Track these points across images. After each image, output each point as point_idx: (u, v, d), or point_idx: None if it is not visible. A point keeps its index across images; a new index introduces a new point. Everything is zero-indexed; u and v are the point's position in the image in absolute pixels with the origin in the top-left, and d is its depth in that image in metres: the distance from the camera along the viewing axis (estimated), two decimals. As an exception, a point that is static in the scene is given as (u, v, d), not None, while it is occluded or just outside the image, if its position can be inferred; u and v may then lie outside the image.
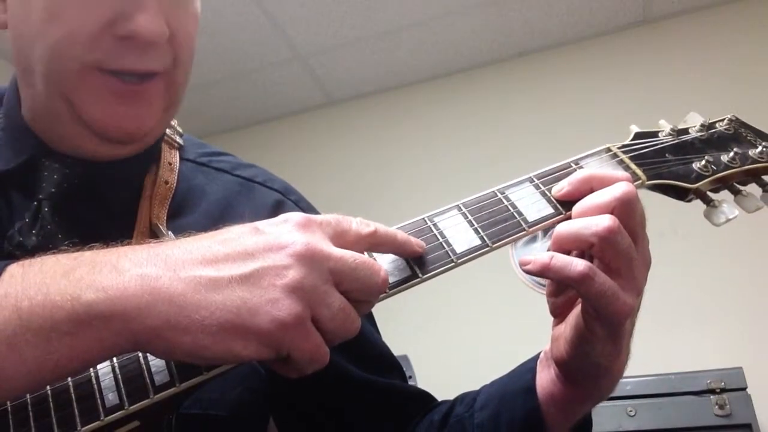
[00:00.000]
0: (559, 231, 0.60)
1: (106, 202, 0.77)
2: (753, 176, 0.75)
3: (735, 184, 0.74)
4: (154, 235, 0.75)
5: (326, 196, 3.22)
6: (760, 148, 0.74)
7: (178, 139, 0.86)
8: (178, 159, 0.84)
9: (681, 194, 0.71)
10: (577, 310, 0.63)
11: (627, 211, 0.59)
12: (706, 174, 0.71)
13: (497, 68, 3.22)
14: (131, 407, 0.55)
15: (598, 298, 0.57)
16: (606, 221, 0.58)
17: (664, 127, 0.76)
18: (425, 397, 0.86)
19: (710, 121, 0.78)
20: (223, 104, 3.44)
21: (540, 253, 0.59)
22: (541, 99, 3.03)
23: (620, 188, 0.60)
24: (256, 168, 0.91)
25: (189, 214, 0.80)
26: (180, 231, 0.71)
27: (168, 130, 0.84)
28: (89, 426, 0.54)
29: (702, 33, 2.93)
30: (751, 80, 2.77)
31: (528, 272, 0.60)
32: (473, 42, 3.12)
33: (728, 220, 0.70)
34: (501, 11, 2.94)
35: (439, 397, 0.89)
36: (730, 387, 2.00)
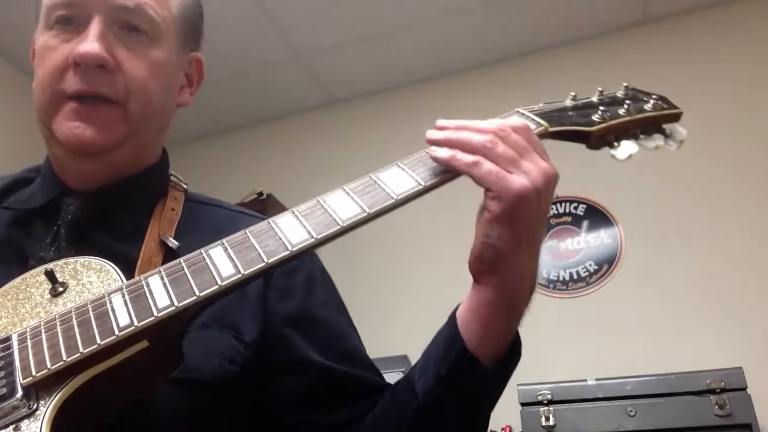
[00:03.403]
0: (452, 136, 0.74)
1: (118, 226, 0.92)
2: (652, 126, 0.87)
3: (638, 133, 0.86)
4: (162, 244, 0.89)
5: (326, 196, 3.23)
6: (651, 102, 0.88)
7: (183, 185, 1.03)
8: (183, 197, 1.00)
9: (583, 138, 0.83)
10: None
11: (499, 133, 0.73)
12: (603, 121, 0.84)
13: (497, 68, 3.22)
14: (140, 324, 0.66)
15: (488, 176, 0.70)
16: (484, 136, 0.72)
17: (569, 96, 0.90)
18: None
19: (607, 90, 0.92)
20: (223, 104, 3.44)
21: (446, 149, 0.74)
22: (541, 99, 3.00)
23: (494, 124, 0.75)
24: (248, 209, 1.08)
25: (188, 235, 0.93)
26: (182, 245, 0.88)
27: (173, 179, 1.02)
28: (107, 340, 0.66)
29: (702, 33, 2.93)
30: (751, 80, 2.77)
31: (435, 159, 0.74)
32: (473, 42, 3.12)
33: (630, 156, 0.82)
34: (501, 11, 2.94)
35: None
36: (730, 387, 2.00)
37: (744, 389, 2.00)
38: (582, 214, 2.83)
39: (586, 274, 2.76)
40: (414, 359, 2.77)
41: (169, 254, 0.87)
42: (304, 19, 2.94)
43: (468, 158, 0.72)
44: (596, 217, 2.82)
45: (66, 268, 0.80)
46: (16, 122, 2.72)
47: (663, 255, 2.65)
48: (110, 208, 0.92)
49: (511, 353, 0.77)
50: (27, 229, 0.92)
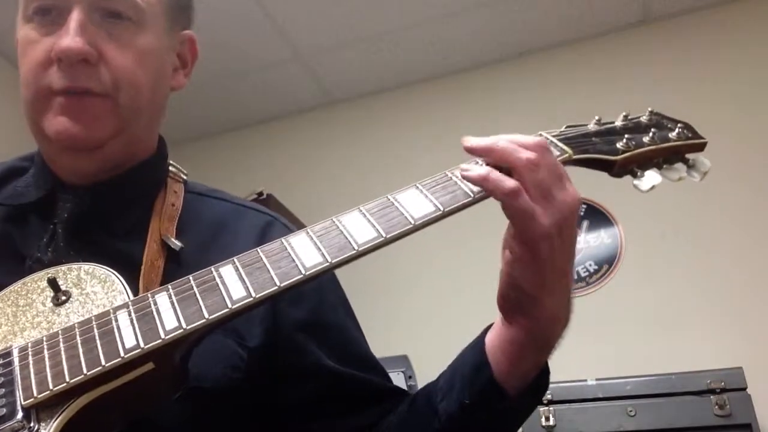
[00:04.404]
0: (494, 145, 0.71)
1: (117, 222, 0.89)
2: (676, 154, 0.84)
3: (661, 162, 0.83)
4: (164, 245, 0.86)
5: (326, 196, 3.23)
6: (677, 130, 0.85)
7: (182, 175, 1.00)
8: (183, 190, 0.97)
9: (607, 167, 0.80)
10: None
11: (542, 154, 0.69)
12: (628, 150, 0.80)
13: (497, 68, 3.22)
14: (146, 346, 0.64)
15: (520, 214, 0.66)
16: (526, 154, 0.68)
17: (592, 120, 0.86)
18: (405, 395, 0.91)
19: (632, 115, 0.88)
20: (223, 104, 3.44)
21: (480, 167, 0.70)
22: (541, 99, 3.03)
23: (537, 138, 0.72)
24: (251, 202, 1.05)
25: (190, 231, 0.91)
26: (183, 243, 0.87)
27: (172, 169, 0.99)
28: (112, 362, 0.63)
29: (702, 33, 2.93)
30: (751, 80, 2.77)
31: (467, 178, 0.69)
32: (473, 42, 3.12)
33: (653, 186, 0.80)
34: (501, 11, 2.94)
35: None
36: (730, 387, 2.00)
37: (744, 389, 2.00)
38: (582, 214, 2.83)
39: (586, 274, 2.76)
40: (414, 359, 2.75)
41: (172, 255, 0.86)
42: (304, 19, 2.94)
43: (507, 184, 0.67)
44: (596, 217, 2.82)
45: (69, 274, 0.77)
46: (16, 122, 2.72)
47: (663, 255, 2.65)
48: (107, 204, 0.89)
49: (538, 382, 0.74)
50: (21, 226, 0.89)
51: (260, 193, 3.05)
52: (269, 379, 0.85)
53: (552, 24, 3.02)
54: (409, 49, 3.14)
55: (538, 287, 0.68)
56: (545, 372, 0.76)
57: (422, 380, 2.49)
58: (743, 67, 2.79)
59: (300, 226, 1.02)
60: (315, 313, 0.90)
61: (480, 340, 0.76)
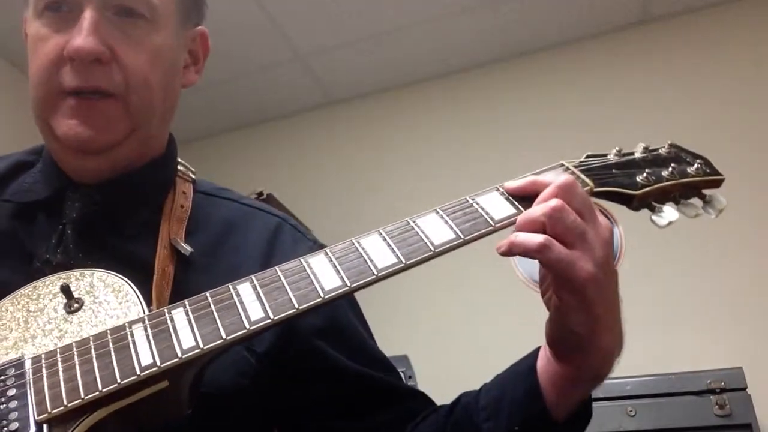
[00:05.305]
0: (519, 219, 0.70)
1: (126, 223, 0.89)
2: (693, 190, 0.84)
3: (678, 196, 0.84)
4: (174, 249, 0.86)
5: (325, 196, 3.24)
6: (695, 165, 0.85)
7: (191, 174, 0.99)
8: (191, 190, 0.96)
9: (626, 200, 0.81)
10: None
11: (567, 194, 0.69)
12: (648, 184, 0.81)
13: (497, 68, 3.22)
14: (163, 365, 0.64)
15: (557, 264, 0.65)
16: (550, 203, 0.67)
17: (612, 150, 0.86)
18: (426, 397, 0.92)
19: (652, 147, 0.88)
20: (223, 104, 3.44)
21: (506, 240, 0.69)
22: (542, 99, 3.03)
23: (560, 178, 0.71)
24: (259, 202, 1.05)
25: (199, 233, 0.91)
26: (193, 246, 0.86)
27: (181, 168, 0.98)
28: (127, 380, 0.63)
29: (702, 33, 2.93)
30: (750, 80, 2.77)
31: (502, 254, 0.68)
32: (473, 42, 3.12)
33: (670, 223, 0.80)
34: (501, 11, 2.94)
35: (440, 397, 0.90)
36: (730, 387, 2.00)
37: (744, 389, 2.00)
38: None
39: (586, 274, 2.75)
40: (414, 359, 2.74)
41: (182, 261, 0.86)
42: (304, 19, 2.94)
43: (533, 241, 0.66)
44: (596, 217, 2.81)
45: (82, 281, 0.76)
46: (18, 125, 2.72)
47: (663, 255, 2.65)
48: (116, 204, 0.88)
49: (582, 411, 0.74)
50: (28, 224, 0.88)
51: (260, 193, 3.05)
52: (281, 382, 0.85)
53: (552, 24, 3.02)
54: (409, 49, 3.14)
55: (593, 327, 0.67)
56: (588, 400, 0.75)
57: (422, 380, 2.50)
58: (744, 67, 2.79)
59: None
60: (330, 318, 0.90)
61: (531, 365, 0.75)
